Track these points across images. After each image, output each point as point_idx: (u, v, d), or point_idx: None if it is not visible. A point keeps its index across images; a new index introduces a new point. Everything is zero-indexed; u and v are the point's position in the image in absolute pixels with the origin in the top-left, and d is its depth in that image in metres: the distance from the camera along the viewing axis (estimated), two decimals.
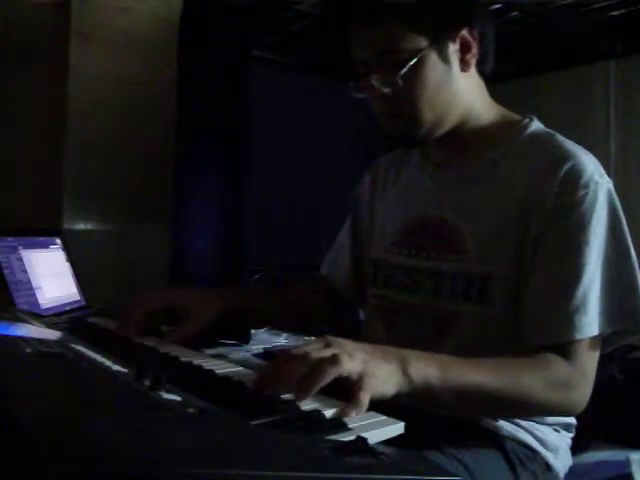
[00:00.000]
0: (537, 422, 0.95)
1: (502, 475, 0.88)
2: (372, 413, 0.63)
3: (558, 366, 0.86)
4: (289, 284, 1.25)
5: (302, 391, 0.65)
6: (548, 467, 0.94)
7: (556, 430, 0.97)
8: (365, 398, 0.65)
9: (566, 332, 0.86)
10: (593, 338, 0.87)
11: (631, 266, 0.89)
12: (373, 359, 0.71)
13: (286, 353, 0.72)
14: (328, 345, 0.71)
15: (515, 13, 2.72)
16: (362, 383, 0.67)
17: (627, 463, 1.18)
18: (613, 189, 0.91)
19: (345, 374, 0.67)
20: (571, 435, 1.00)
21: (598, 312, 0.87)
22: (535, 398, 0.85)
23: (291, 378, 0.67)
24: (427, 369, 0.76)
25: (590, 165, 0.90)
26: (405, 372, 0.74)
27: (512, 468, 0.89)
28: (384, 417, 0.61)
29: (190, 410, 0.53)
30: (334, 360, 0.67)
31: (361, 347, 0.73)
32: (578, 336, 0.86)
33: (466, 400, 0.80)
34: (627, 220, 0.91)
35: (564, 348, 0.86)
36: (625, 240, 0.90)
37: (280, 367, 0.70)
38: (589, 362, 0.88)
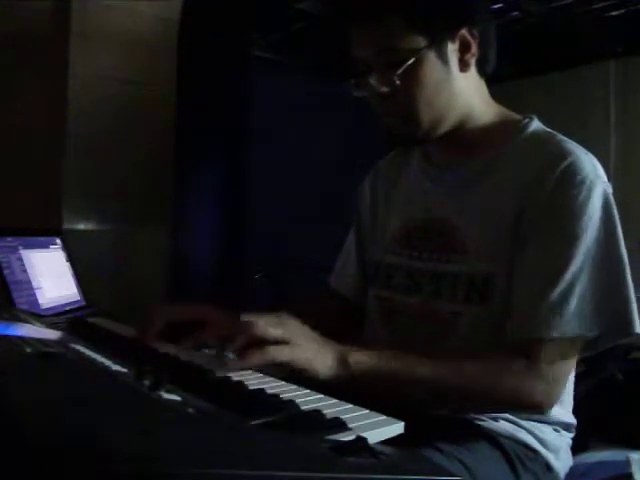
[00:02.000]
0: (537, 422, 0.95)
1: (502, 475, 0.88)
2: (372, 413, 0.63)
3: (516, 362, 0.86)
4: (303, 304, 1.24)
5: (240, 362, 0.75)
6: (548, 467, 0.94)
7: (556, 430, 0.97)
8: (264, 356, 0.75)
9: (540, 329, 0.86)
10: (570, 338, 0.86)
11: (621, 269, 0.88)
12: (311, 342, 0.80)
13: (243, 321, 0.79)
14: (280, 323, 0.79)
15: (515, 13, 2.71)
16: (276, 346, 0.76)
17: (627, 463, 1.18)
18: (610, 191, 0.91)
19: (266, 337, 0.76)
20: (571, 435, 1.00)
21: (579, 312, 0.85)
22: (483, 392, 0.86)
23: (234, 342, 0.76)
24: (367, 359, 0.83)
25: (587, 164, 0.90)
26: (343, 359, 0.81)
27: (512, 468, 0.89)
28: (384, 417, 0.61)
29: (190, 410, 0.53)
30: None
31: (309, 333, 0.81)
32: (553, 334, 0.85)
33: (408, 390, 0.85)
34: (627, 220, 0.90)
35: (534, 344, 0.86)
36: (616, 243, 0.88)
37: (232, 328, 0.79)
38: (560, 362, 0.87)
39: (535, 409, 0.90)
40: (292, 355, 0.77)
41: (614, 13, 2.70)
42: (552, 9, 2.65)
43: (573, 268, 0.86)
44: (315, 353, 0.79)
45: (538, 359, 0.86)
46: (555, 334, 0.85)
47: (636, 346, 2.08)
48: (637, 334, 0.87)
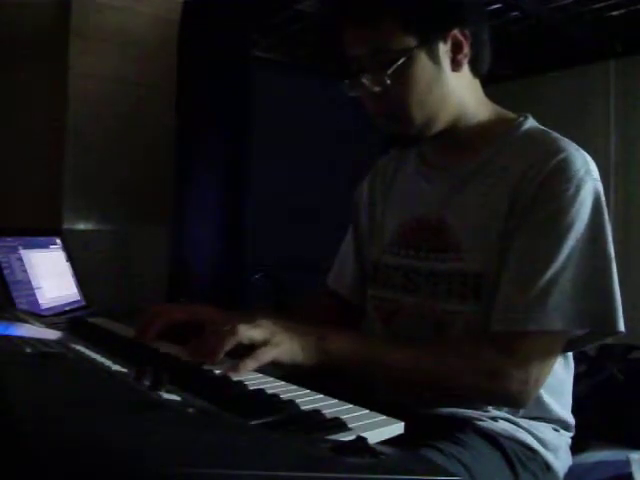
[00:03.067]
0: (536, 421, 0.95)
1: (501, 475, 0.88)
2: (372, 413, 0.63)
3: (488, 352, 0.87)
4: (298, 303, 1.26)
5: (207, 357, 0.79)
6: (548, 467, 0.94)
7: (555, 430, 0.97)
8: (249, 365, 0.77)
9: (520, 321, 0.86)
10: (551, 332, 0.86)
11: (607, 266, 0.87)
12: (285, 332, 0.83)
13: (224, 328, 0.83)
14: (257, 326, 0.82)
15: (515, 13, 2.71)
16: (258, 350, 0.79)
17: (627, 463, 1.18)
18: (600, 188, 0.91)
19: (245, 341, 0.79)
20: (571, 435, 1.00)
21: (560, 307, 0.85)
22: (451, 379, 0.87)
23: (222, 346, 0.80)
24: (346, 344, 0.87)
25: (579, 161, 0.90)
26: (322, 345, 0.85)
27: (511, 468, 0.89)
28: (384, 417, 0.61)
29: (190, 410, 0.53)
30: (232, 330, 0.79)
31: (284, 329, 0.84)
32: (533, 327, 0.85)
33: (382, 373, 0.89)
34: (627, 219, 0.90)
35: (514, 336, 0.87)
36: (604, 240, 0.88)
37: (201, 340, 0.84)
38: (539, 355, 0.87)
39: (511, 401, 0.90)
40: (275, 354, 0.81)
41: (614, 13, 2.70)
42: (552, 9, 2.65)
43: (557, 263, 0.86)
44: (295, 347, 0.84)
45: (517, 351, 0.86)
46: (535, 327, 0.85)
47: (636, 346, 2.08)
48: (621, 333, 0.87)
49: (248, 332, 0.81)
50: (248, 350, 0.80)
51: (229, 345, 0.80)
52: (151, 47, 2.26)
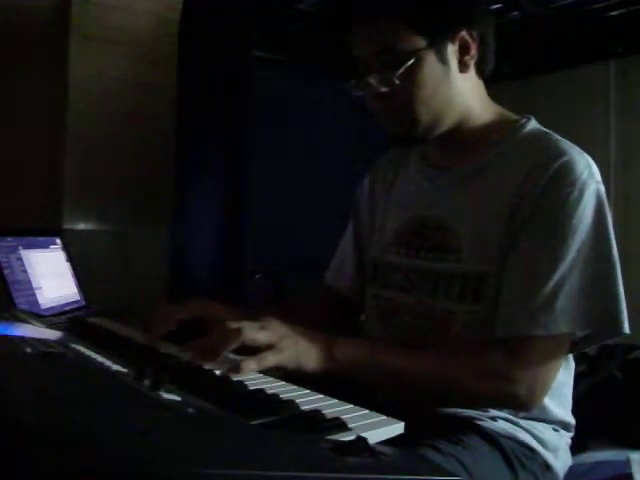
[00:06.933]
0: (536, 421, 0.95)
1: (501, 475, 0.88)
2: (372, 413, 0.63)
3: (496, 357, 0.87)
4: (296, 302, 1.26)
5: (206, 356, 0.80)
6: (547, 467, 0.94)
7: (555, 430, 0.97)
8: (250, 366, 0.77)
9: (527, 327, 0.86)
10: (558, 336, 0.86)
11: (611, 268, 0.88)
12: (294, 337, 0.83)
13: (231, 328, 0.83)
14: (264, 328, 0.82)
15: (515, 13, 2.71)
16: (262, 354, 0.79)
17: (627, 463, 1.18)
18: (602, 190, 0.91)
19: (250, 343, 0.80)
20: (570, 435, 1.00)
21: (567, 311, 0.85)
22: (460, 385, 0.88)
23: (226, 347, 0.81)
24: (353, 351, 0.88)
25: (581, 164, 0.90)
26: (330, 351, 0.86)
27: (511, 468, 0.89)
28: (384, 417, 0.61)
29: (190, 410, 0.53)
30: (238, 330, 0.80)
31: (292, 333, 0.84)
32: (540, 332, 0.85)
33: (391, 381, 0.89)
34: (627, 220, 0.90)
35: (522, 341, 0.87)
36: (608, 242, 0.88)
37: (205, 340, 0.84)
38: (547, 359, 0.87)
39: (520, 406, 0.90)
40: (279, 359, 0.81)
41: (614, 13, 2.70)
42: (552, 9, 2.65)
43: (563, 267, 0.86)
44: (301, 352, 0.83)
45: (524, 355, 0.86)
46: (543, 332, 0.86)
47: (636, 346, 2.08)
48: (625, 334, 0.87)
49: (254, 334, 0.81)
50: (253, 350, 0.80)
51: (232, 345, 0.80)
52: (151, 47, 2.26)
